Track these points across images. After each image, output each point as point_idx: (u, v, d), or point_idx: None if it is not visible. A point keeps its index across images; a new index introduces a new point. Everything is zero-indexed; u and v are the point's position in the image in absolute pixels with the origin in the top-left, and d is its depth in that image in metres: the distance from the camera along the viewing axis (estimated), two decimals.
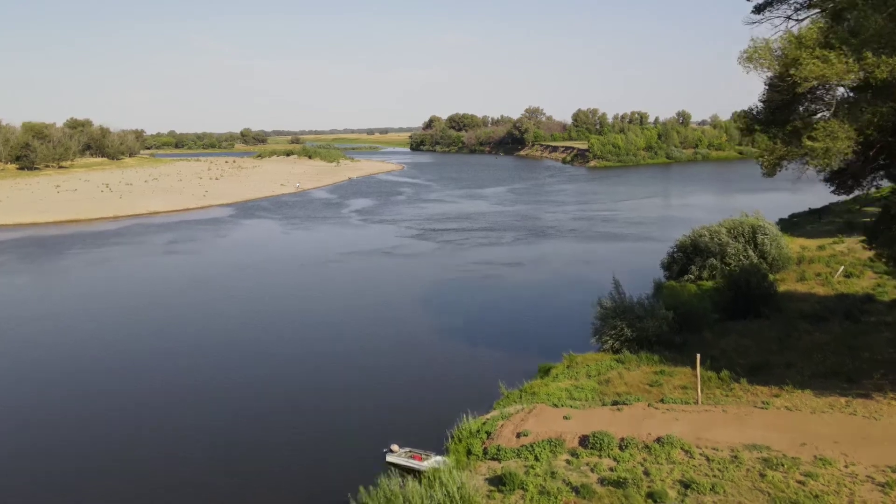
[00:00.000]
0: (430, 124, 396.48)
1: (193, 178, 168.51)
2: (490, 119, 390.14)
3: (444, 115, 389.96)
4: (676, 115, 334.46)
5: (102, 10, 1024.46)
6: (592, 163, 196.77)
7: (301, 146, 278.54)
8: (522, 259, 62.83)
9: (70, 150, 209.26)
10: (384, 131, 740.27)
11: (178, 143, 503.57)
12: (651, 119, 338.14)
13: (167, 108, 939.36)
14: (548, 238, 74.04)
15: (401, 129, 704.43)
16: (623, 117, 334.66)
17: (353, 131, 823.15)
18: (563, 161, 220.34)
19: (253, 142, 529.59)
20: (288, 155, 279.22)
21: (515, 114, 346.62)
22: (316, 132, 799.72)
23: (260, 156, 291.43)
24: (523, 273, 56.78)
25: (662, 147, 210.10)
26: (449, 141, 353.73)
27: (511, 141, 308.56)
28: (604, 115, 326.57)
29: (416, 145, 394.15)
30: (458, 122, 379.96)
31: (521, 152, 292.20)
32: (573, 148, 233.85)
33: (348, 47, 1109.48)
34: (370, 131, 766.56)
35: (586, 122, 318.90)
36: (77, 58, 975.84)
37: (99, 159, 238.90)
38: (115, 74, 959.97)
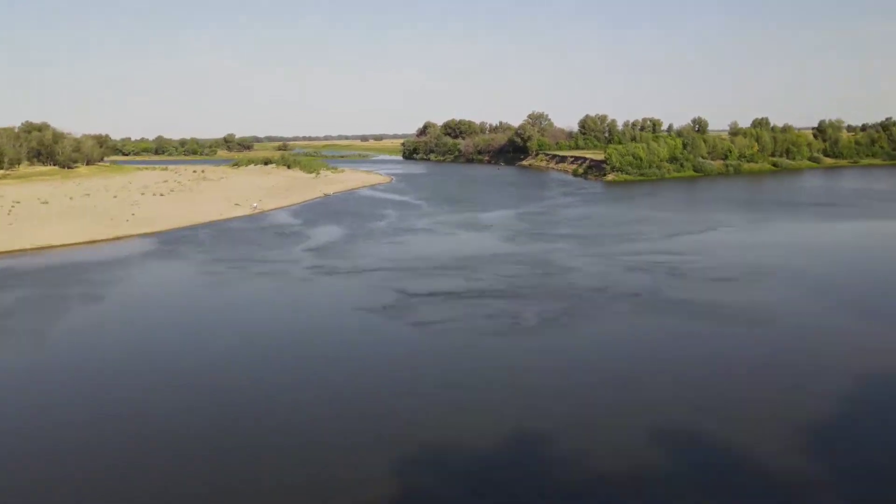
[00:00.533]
0: (424, 131, 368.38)
1: (136, 192, 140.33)
2: (489, 125, 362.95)
3: (441, 122, 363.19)
4: (692, 122, 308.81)
5: (102, 11, 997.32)
6: (610, 176, 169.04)
7: (281, 155, 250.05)
8: (570, 375, 34.72)
9: (5, 157, 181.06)
10: (378, 137, 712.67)
11: (159, 150, 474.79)
12: (664, 126, 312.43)
13: (165, 111, 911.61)
14: (597, 313, 45.93)
15: (395, 136, 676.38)
16: (634, 124, 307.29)
17: (347, 137, 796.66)
18: (575, 173, 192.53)
19: (239, 148, 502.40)
20: (266, 164, 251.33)
21: (515, 120, 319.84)
22: (309, 138, 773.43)
23: (237, 164, 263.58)
24: (582, 421, 28.64)
25: (689, 158, 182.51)
26: (444, 149, 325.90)
27: (512, 150, 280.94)
28: (613, 121, 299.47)
29: (409, 153, 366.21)
30: (455, 129, 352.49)
31: (524, 162, 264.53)
32: (585, 158, 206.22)
33: (346, 52, 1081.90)
34: (364, 137, 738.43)
35: (594, 130, 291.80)
36: (76, 60, 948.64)
37: (47, 168, 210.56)
38: (114, 77, 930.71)
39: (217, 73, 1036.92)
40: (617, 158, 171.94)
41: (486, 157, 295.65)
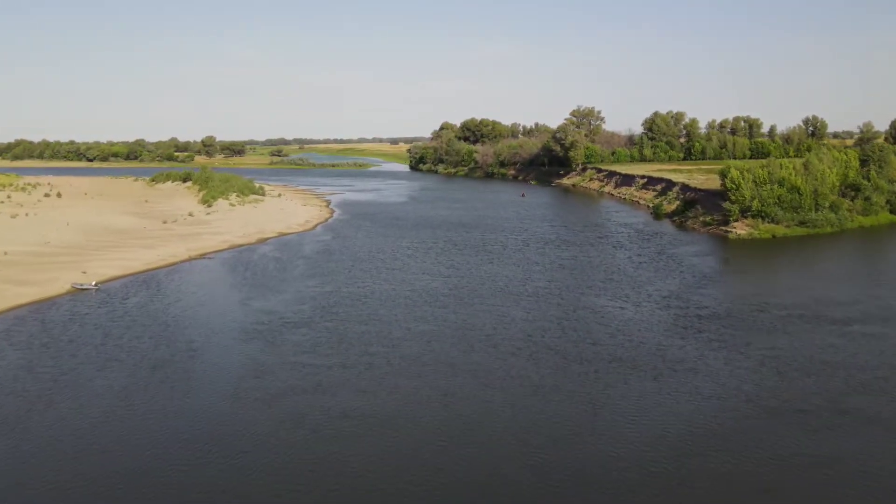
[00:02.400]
0: (439, 134, 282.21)
1: None
2: (521, 128, 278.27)
3: (460, 122, 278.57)
4: (803, 122, 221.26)
5: (138, 17, 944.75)
6: (742, 228, 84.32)
7: (198, 173, 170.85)
8: None
9: None
10: (394, 141, 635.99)
11: (132, 154, 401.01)
12: (766, 127, 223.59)
13: (201, 116, 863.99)
14: None
15: (420, 139, 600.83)
16: (723, 125, 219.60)
17: (367, 140, 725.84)
18: (657, 212, 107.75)
19: (229, 153, 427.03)
20: (184, 181, 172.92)
21: (553, 123, 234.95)
22: (327, 141, 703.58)
23: (154, 180, 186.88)
24: None
25: (881, 187, 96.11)
26: (457, 158, 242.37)
27: (548, 161, 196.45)
28: (694, 120, 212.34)
29: (416, 162, 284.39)
30: (475, 132, 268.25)
31: (566, 180, 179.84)
32: (667, 181, 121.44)
33: (375, 58, 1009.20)
34: (394, 141, 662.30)
35: (667, 133, 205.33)
36: (114, 68, 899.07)
37: None
38: (149, 83, 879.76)
39: (224, 75, 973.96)
40: (750, 191, 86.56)
41: (512, 171, 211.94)
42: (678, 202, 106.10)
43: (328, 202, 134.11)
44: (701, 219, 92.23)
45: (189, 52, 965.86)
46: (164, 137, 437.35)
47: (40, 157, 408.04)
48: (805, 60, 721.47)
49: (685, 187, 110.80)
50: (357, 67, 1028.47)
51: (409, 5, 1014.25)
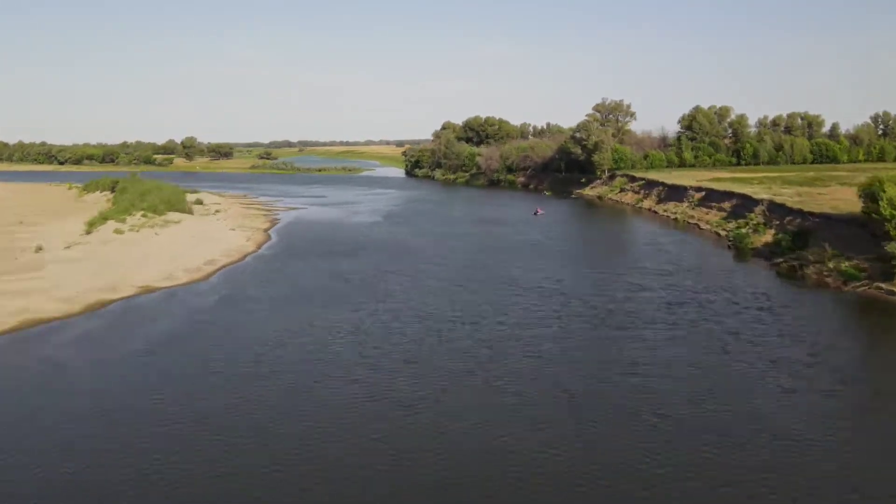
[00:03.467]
0: (439, 134, 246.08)
1: None
2: (532, 128, 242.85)
3: (463, 121, 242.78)
4: (871, 119, 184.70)
5: (138, 17, 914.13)
6: None
7: (123, 181, 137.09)
8: None
9: None
10: (400, 143, 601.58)
11: (107, 157, 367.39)
12: (826, 127, 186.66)
13: (201, 116, 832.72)
14: None
15: (424, 141, 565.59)
16: (776, 122, 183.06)
17: (374, 143, 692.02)
18: (738, 243, 72.08)
19: (214, 155, 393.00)
20: (112, 189, 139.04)
21: (563, 124, 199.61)
22: (332, 143, 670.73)
23: (86, 188, 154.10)
24: None
25: None
26: (457, 161, 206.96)
27: (566, 166, 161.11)
28: (742, 117, 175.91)
29: (412, 166, 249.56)
30: (479, 132, 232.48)
31: (588, 190, 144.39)
32: (740, 196, 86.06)
33: (378, 59, 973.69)
34: (399, 143, 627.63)
35: (710, 132, 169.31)
36: (111, 69, 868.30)
37: None
38: (148, 83, 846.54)
39: (224, 75, 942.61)
40: None
41: (522, 178, 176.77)
42: (773, 231, 70.73)
43: (274, 222, 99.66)
44: (832, 265, 56.73)
45: (189, 52, 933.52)
46: (164, 139, 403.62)
47: (9, 160, 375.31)
48: (806, 60, 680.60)
49: (776, 207, 75.53)
50: (357, 67, 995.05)
51: (409, 5, 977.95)
